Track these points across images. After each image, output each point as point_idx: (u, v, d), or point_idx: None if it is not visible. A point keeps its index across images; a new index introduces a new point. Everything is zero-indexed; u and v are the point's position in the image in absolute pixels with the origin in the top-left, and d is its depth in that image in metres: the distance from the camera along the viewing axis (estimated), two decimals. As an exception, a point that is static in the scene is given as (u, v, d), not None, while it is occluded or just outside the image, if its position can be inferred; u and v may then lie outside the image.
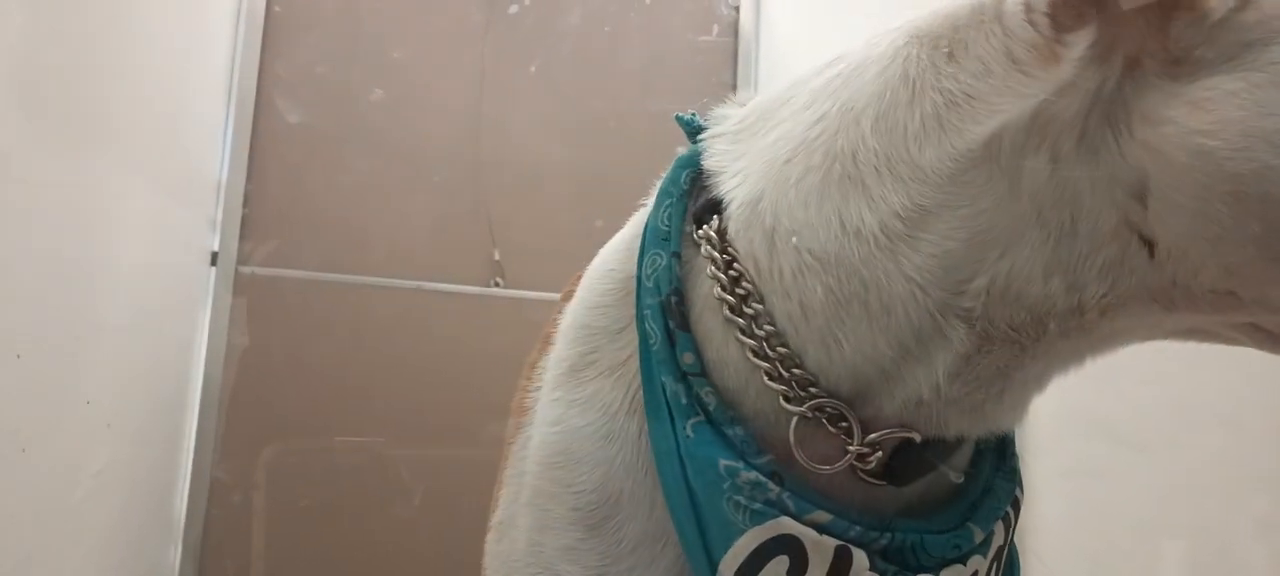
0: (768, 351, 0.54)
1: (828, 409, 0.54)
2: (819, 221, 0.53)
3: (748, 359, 0.55)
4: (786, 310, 0.54)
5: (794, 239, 0.54)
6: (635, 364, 0.60)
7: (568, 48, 2.46)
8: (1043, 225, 0.50)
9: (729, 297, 0.56)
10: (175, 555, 2.06)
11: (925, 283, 0.51)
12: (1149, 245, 0.49)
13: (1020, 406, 0.56)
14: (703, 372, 0.56)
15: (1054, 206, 0.50)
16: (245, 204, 2.19)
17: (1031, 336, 0.52)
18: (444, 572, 2.10)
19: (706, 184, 0.61)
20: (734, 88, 2.50)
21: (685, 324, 0.57)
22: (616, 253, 0.66)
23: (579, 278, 0.70)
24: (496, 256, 2.29)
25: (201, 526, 2.09)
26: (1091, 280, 0.50)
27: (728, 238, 0.57)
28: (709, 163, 0.62)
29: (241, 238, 2.18)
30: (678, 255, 0.59)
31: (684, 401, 0.55)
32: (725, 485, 0.53)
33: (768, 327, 0.54)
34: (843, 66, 0.57)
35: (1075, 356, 0.55)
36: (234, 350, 2.15)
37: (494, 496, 0.67)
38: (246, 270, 2.18)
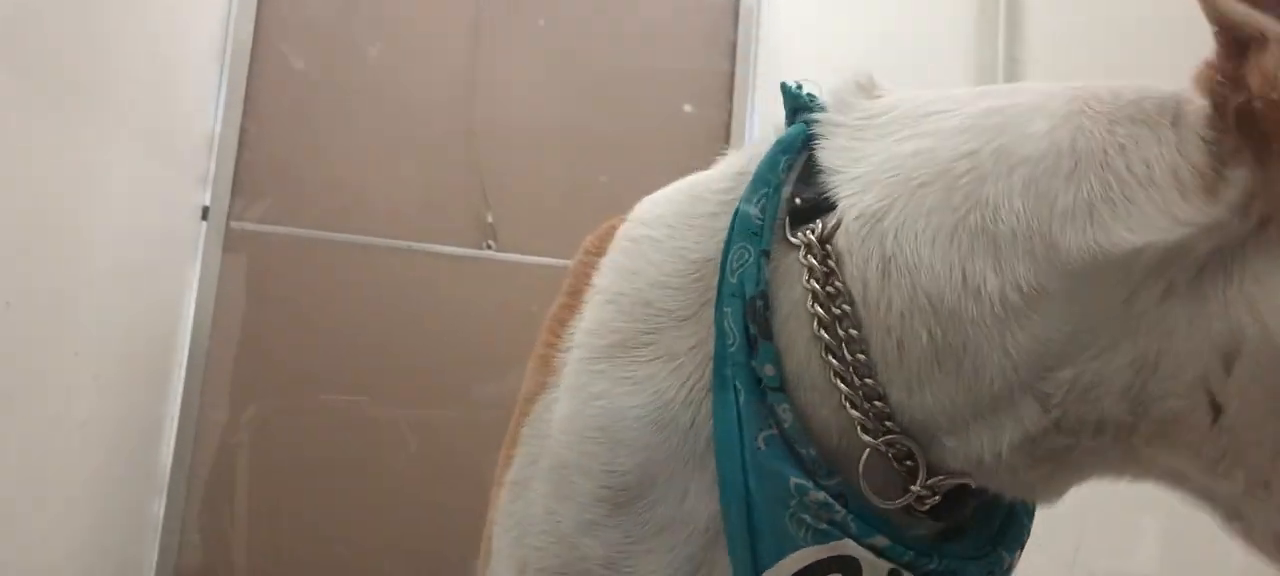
0: (854, 378, 0.52)
1: (898, 446, 0.53)
2: (942, 267, 0.51)
3: (830, 379, 0.53)
4: (882, 343, 0.53)
5: (915, 277, 0.52)
6: (699, 355, 0.57)
7: (567, 2, 2.44)
8: (1134, 346, 0.49)
9: (824, 314, 0.53)
10: (159, 507, 2.07)
11: (1019, 361, 0.51)
12: (1215, 410, 0.49)
13: (1062, 490, 0.56)
14: (782, 386, 0.54)
15: (1148, 333, 0.49)
16: (237, 160, 2.18)
17: (1090, 435, 0.52)
18: (431, 531, 2.10)
19: (813, 177, 0.56)
20: (736, 45, 2.48)
21: (768, 331, 0.54)
22: (689, 227, 0.61)
23: (611, 230, 0.66)
24: (489, 219, 2.29)
25: (186, 479, 2.09)
26: (1152, 415, 0.50)
27: (833, 248, 0.53)
28: (824, 156, 0.57)
29: (233, 193, 2.17)
30: (767, 254, 0.55)
31: (758, 411, 0.53)
32: (792, 502, 0.52)
33: (860, 355, 0.52)
34: (1006, 104, 0.54)
35: (1118, 468, 0.55)
36: (223, 306, 2.15)
37: (506, 452, 0.64)
38: (237, 226, 2.17)
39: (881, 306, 0.52)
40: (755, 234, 0.55)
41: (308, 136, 2.24)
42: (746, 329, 0.54)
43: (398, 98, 2.30)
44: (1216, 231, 0.47)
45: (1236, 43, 0.48)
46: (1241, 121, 0.47)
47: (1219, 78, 0.48)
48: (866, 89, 0.60)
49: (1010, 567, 0.59)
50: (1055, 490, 0.56)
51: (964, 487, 0.55)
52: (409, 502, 2.16)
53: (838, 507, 0.52)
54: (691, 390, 0.57)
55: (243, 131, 2.19)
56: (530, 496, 0.61)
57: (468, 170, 2.30)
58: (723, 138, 2.44)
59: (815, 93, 0.62)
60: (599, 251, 0.65)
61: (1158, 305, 0.49)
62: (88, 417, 1.64)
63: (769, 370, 0.53)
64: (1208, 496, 0.54)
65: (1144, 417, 0.50)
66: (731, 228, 0.57)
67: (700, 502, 0.56)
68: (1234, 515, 0.53)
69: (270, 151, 2.22)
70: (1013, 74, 1.42)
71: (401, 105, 2.30)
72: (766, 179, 0.57)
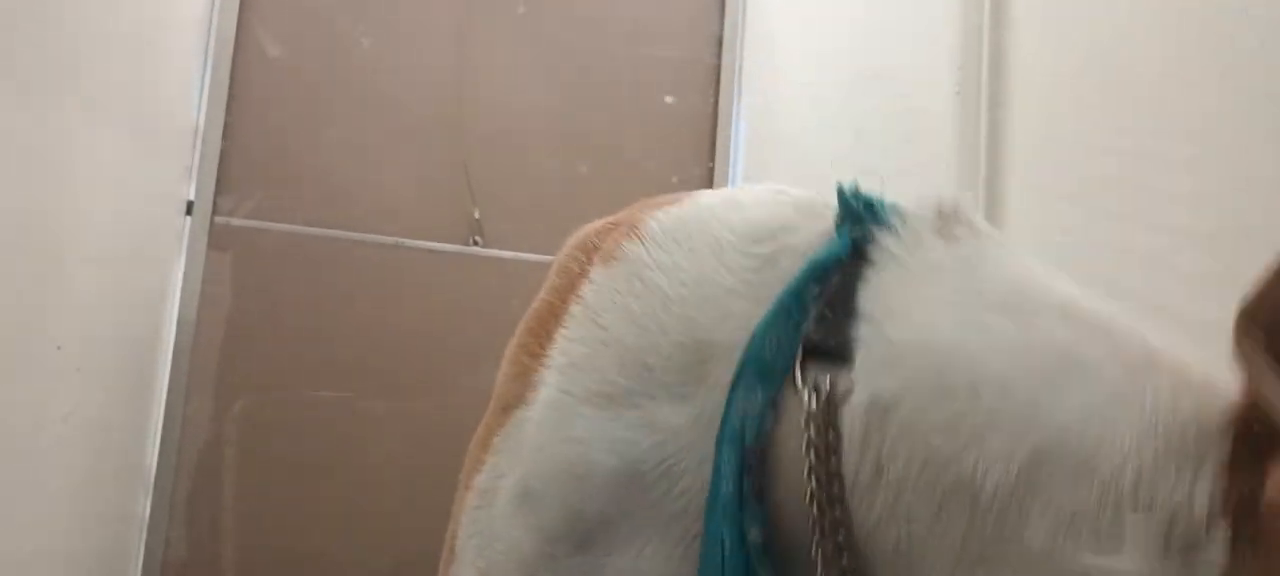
0: (836, 558, 0.51)
1: None
2: (924, 498, 0.49)
3: (812, 552, 0.51)
4: (861, 533, 0.51)
5: (900, 495, 0.49)
6: (683, 438, 0.55)
7: (554, -6, 2.43)
8: None
9: (817, 489, 0.50)
10: (145, 502, 2.06)
11: None
12: None
13: None
14: (765, 550, 0.52)
15: None
16: (222, 153, 2.17)
17: None
18: (416, 527, 2.10)
19: (844, 314, 0.52)
20: (721, 36, 2.48)
21: (761, 492, 0.52)
22: (705, 299, 0.57)
23: (606, 234, 0.63)
24: (476, 215, 2.28)
25: (172, 475, 2.08)
26: None
27: (838, 416, 0.50)
28: (864, 296, 0.53)
29: (218, 187, 2.16)
30: (774, 405, 0.52)
31: (738, 568, 0.52)
32: None
33: (840, 537, 0.51)
34: (1071, 342, 0.49)
35: None
36: (208, 301, 2.13)
37: (476, 454, 0.63)
38: (222, 220, 2.16)
39: (865, 503, 0.51)
40: (767, 374, 0.52)
41: (292, 130, 2.23)
42: (740, 480, 0.52)
43: (383, 90, 2.29)
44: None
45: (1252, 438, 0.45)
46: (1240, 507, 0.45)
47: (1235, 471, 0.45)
48: (948, 220, 0.56)
49: None
50: None
51: None
52: (395, 498, 2.15)
53: None
54: (668, 468, 0.55)
55: (227, 125, 2.17)
56: (495, 509, 0.60)
57: (454, 165, 2.29)
58: (709, 130, 2.44)
59: (877, 203, 0.57)
60: (596, 252, 0.63)
61: None
62: (71, 412, 1.63)
63: (755, 534, 0.52)
64: None
65: None
66: (746, 354, 0.53)
67: (654, 564, 0.56)
68: None
69: (255, 145, 2.20)
70: (997, 74, 1.42)
71: (387, 98, 2.29)
72: (790, 309, 0.54)
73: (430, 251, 2.26)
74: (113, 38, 1.69)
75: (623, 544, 0.56)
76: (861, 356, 0.52)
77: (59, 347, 1.56)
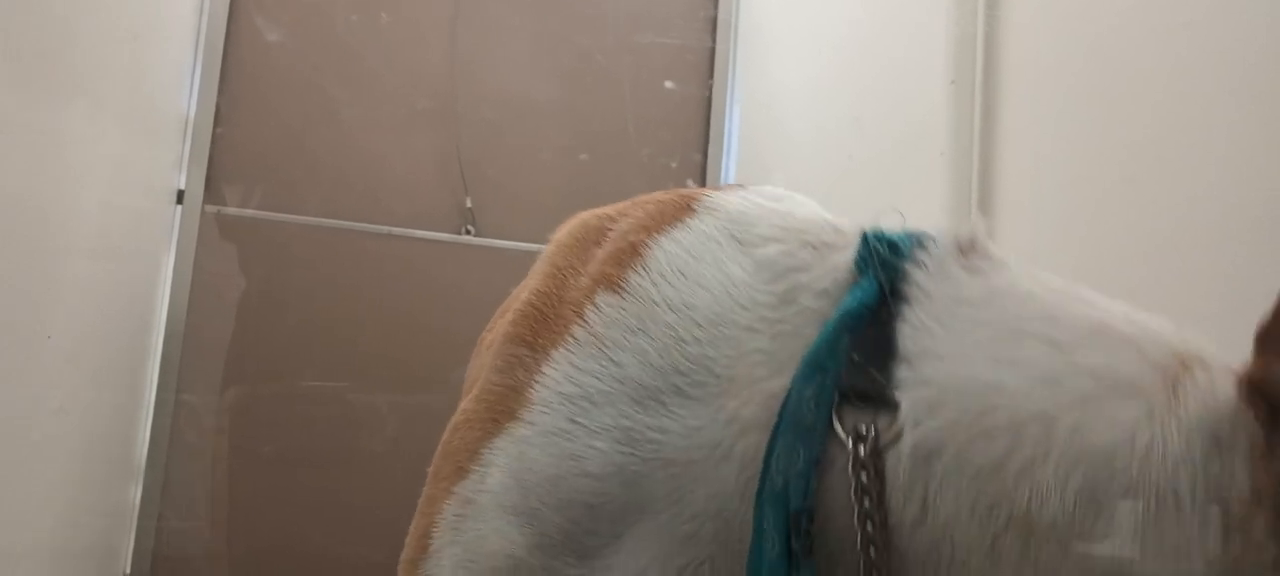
0: None
1: None
2: (976, 535, 0.50)
3: None
4: (902, 567, 0.52)
5: (948, 532, 0.50)
6: (696, 471, 0.56)
7: (548, -21, 2.42)
8: None
9: (872, 532, 0.51)
10: (135, 493, 2.05)
11: None
12: None
13: None
14: None
15: None
16: (213, 142, 2.15)
17: None
18: (411, 517, 2.09)
19: (883, 355, 0.53)
20: (716, 20, 2.47)
21: (810, 551, 0.52)
22: (721, 338, 0.57)
23: (597, 230, 0.63)
24: (468, 204, 2.27)
25: (163, 466, 2.07)
26: None
27: (883, 461, 0.51)
28: (904, 337, 0.53)
29: (208, 176, 2.15)
30: (819, 463, 0.52)
31: None
32: None
33: None
34: (1104, 366, 0.50)
35: None
36: (200, 290, 2.12)
37: (458, 458, 0.63)
38: (213, 209, 2.15)
39: (910, 543, 0.51)
40: (808, 431, 0.52)
41: (285, 118, 2.22)
42: (788, 540, 0.52)
43: (377, 78, 2.27)
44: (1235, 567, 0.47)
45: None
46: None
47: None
48: (967, 251, 0.56)
49: None
50: None
51: None
52: (389, 488, 2.14)
53: None
54: (681, 497, 0.56)
55: (218, 113, 2.16)
56: (484, 521, 0.60)
57: (447, 154, 2.28)
58: (704, 115, 2.43)
59: (902, 237, 0.57)
60: (584, 252, 0.63)
61: None
62: (63, 403, 1.62)
63: None
64: None
65: None
66: (782, 413, 0.53)
67: (649, 563, 0.57)
68: None
69: (246, 134, 2.19)
70: (991, 50, 1.42)
71: (380, 85, 2.27)
72: (824, 365, 0.53)
73: (422, 240, 2.25)
74: (104, 25, 1.67)
75: (626, 556, 0.57)
76: (901, 398, 0.52)
77: (50, 338, 1.55)
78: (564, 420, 0.58)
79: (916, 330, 0.53)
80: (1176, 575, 0.47)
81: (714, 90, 2.44)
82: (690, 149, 2.42)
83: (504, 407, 0.61)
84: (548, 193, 2.28)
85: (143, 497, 2.05)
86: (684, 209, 0.64)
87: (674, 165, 2.38)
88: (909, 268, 0.56)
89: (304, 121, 2.22)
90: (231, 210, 2.16)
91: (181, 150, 2.13)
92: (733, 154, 2.42)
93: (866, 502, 0.51)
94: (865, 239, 0.58)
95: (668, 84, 2.43)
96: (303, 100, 2.23)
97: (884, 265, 0.56)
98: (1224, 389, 0.49)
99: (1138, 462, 0.47)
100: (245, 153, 2.18)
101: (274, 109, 2.21)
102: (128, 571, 2.04)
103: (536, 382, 0.60)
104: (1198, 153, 1.00)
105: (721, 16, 2.47)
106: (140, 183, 1.97)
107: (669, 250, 0.61)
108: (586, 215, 0.68)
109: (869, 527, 0.51)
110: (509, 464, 0.59)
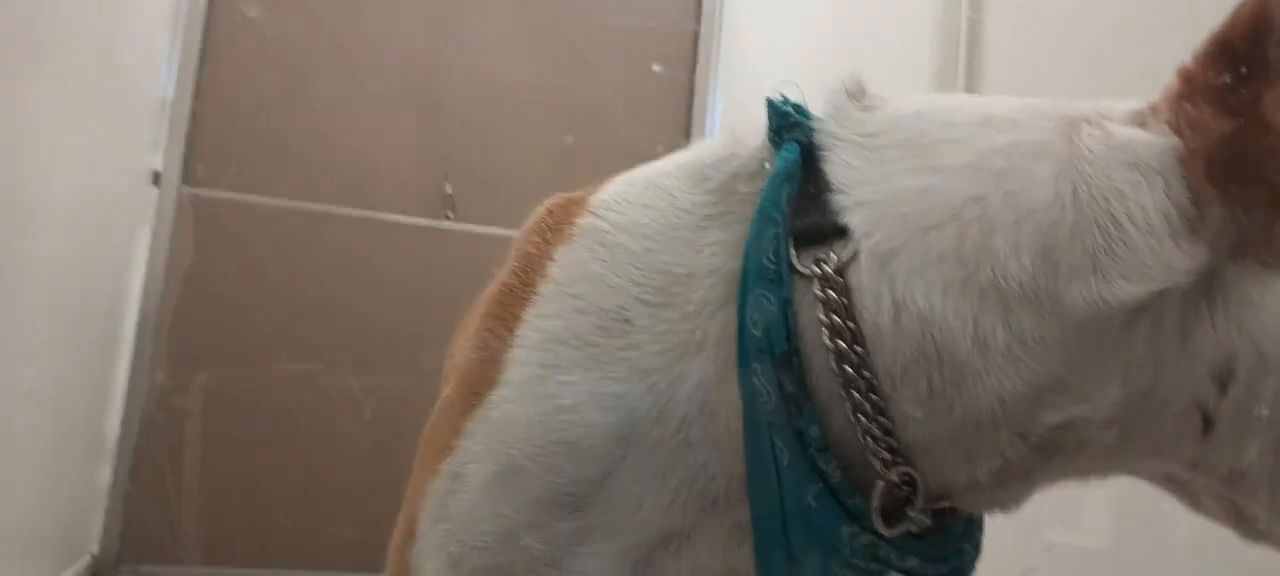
0: (872, 416, 0.53)
1: (906, 477, 0.55)
2: (955, 320, 0.52)
3: (848, 414, 0.54)
4: (892, 385, 0.53)
5: (927, 327, 0.52)
6: (673, 372, 0.57)
7: (532, -37, 2.41)
8: (1125, 384, 0.52)
9: (844, 348, 0.53)
10: (106, 475, 2.03)
11: (1010, 406, 0.52)
12: (1207, 424, 0.52)
13: (1025, 499, 0.58)
14: (827, 446, 0.54)
15: (1139, 371, 0.51)
16: (190, 123, 2.13)
17: (1068, 455, 0.54)
18: (384, 501, 2.09)
19: (819, 196, 0.56)
20: (700, 4, 2.46)
21: (807, 391, 0.54)
22: (671, 241, 0.60)
23: (564, 210, 0.65)
24: (448, 189, 2.26)
25: (133, 447, 2.05)
26: (1142, 437, 0.53)
27: (847, 283, 0.53)
28: (830, 171, 0.56)
29: (185, 158, 2.13)
30: (790, 302, 0.54)
31: (803, 470, 0.54)
32: (844, 550, 0.54)
33: (874, 396, 0.53)
34: (1008, 143, 0.54)
35: (1088, 474, 0.58)
36: (174, 272, 2.10)
37: (442, 437, 0.63)
38: (189, 191, 2.13)
39: (890, 351, 0.53)
40: (774, 279, 0.54)
41: (262, 100, 2.20)
42: (781, 386, 0.53)
43: (357, 60, 2.26)
44: (1204, 268, 0.50)
45: (1232, 61, 0.50)
46: (1224, 156, 0.50)
47: (1206, 105, 0.51)
48: (857, 97, 0.60)
49: (980, 543, 0.62)
50: (1020, 501, 0.58)
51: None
52: (361, 472, 2.14)
53: (883, 546, 0.54)
54: (664, 408, 0.57)
55: (196, 93, 2.14)
56: (470, 492, 0.60)
57: (427, 137, 2.27)
58: (686, 99, 2.43)
59: (802, 103, 0.61)
60: (553, 233, 0.64)
61: (1148, 342, 0.51)
62: (33, 385, 1.60)
63: (815, 431, 0.54)
64: (1199, 496, 0.57)
65: (1131, 440, 0.53)
66: (744, 272, 0.55)
67: (653, 514, 0.57)
68: (1228, 509, 0.56)
69: (224, 115, 2.17)
70: (974, 42, 1.42)
71: (361, 68, 2.26)
72: (773, 217, 0.55)
73: (400, 225, 2.24)
74: (79, 11, 1.65)
75: (619, 501, 0.57)
76: (847, 221, 0.55)
77: (20, 321, 1.53)
78: (536, 368, 0.59)
79: (842, 167, 0.57)
80: (1150, 289, 0.50)
81: (697, 74, 2.44)
82: (675, 133, 2.41)
83: (482, 380, 0.61)
84: (530, 178, 2.27)
85: (113, 479, 2.04)
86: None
87: (659, 149, 2.37)
88: (816, 123, 0.59)
89: (282, 103, 2.20)
90: (208, 192, 2.14)
91: (158, 131, 2.10)
92: (717, 113, 2.42)
93: (836, 318, 0.53)
94: (772, 110, 0.61)
95: (655, 67, 2.42)
96: (281, 81, 2.21)
97: (796, 127, 0.59)
98: (1118, 131, 0.53)
99: (1072, 207, 0.51)
100: (222, 134, 2.16)
101: (252, 90, 2.19)
102: (96, 552, 2.03)
103: (510, 347, 0.61)
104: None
105: (706, 1, 2.46)
106: (115, 164, 1.95)
107: (611, 191, 0.64)
108: (558, 198, 0.68)
109: (837, 346, 0.53)
110: (491, 428, 0.60)
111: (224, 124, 2.16)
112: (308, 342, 2.16)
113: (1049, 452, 0.54)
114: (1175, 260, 0.50)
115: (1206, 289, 0.51)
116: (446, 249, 2.24)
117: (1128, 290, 0.50)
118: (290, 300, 2.17)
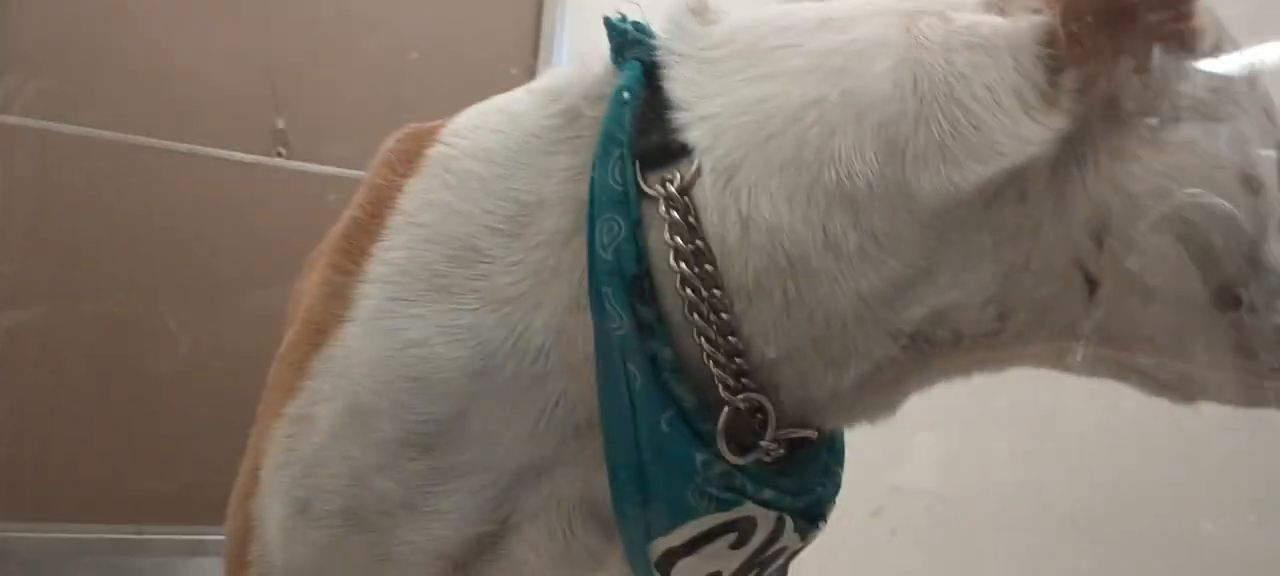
0: (717, 337, 0.53)
1: (753, 402, 0.54)
2: (803, 227, 0.51)
3: (693, 337, 0.53)
4: (742, 302, 0.53)
5: (775, 238, 0.52)
6: (528, 302, 0.56)
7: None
8: (998, 260, 0.52)
9: (688, 270, 0.52)
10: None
11: (873, 304, 0.52)
12: (1091, 286, 0.52)
13: (897, 407, 0.58)
14: (676, 367, 0.53)
15: (1013, 241, 0.51)
16: (-4, 45, 1.96)
17: (943, 352, 0.54)
18: (205, 448, 1.99)
19: (661, 115, 0.55)
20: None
21: (661, 313, 0.53)
22: (519, 166, 0.58)
23: (416, 141, 0.62)
24: (280, 125, 2.16)
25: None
26: (1023, 310, 0.53)
27: (692, 200, 0.53)
28: (671, 89, 0.56)
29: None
30: (639, 224, 0.53)
31: (656, 394, 0.53)
32: (698, 477, 0.53)
33: (723, 315, 0.52)
34: (846, 40, 0.54)
35: (968, 370, 0.58)
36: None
37: (286, 380, 0.60)
38: (-3, 119, 1.96)
39: (741, 267, 0.52)
40: (621, 201, 0.53)
41: (67, 11, 2.03)
42: (634, 310, 0.53)
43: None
44: (1063, 135, 0.50)
45: None
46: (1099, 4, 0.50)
47: None
48: (699, 12, 0.59)
49: (840, 480, 0.63)
50: (888, 408, 0.58)
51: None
52: (183, 417, 2.05)
53: (738, 475, 0.53)
54: (518, 339, 0.55)
55: (3, 13, 1.96)
56: (317, 434, 0.58)
57: (257, 65, 2.15)
58: (532, 37, 2.39)
59: (641, 22, 0.60)
60: (404, 168, 0.61)
61: (1018, 216, 0.51)
62: None
63: (668, 354, 0.53)
64: (1093, 366, 0.57)
65: (1012, 317, 0.53)
66: (592, 196, 0.54)
67: (512, 449, 0.56)
68: (1124, 372, 0.57)
69: (35, 38, 2.00)
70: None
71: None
72: (617, 138, 0.55)
73: (229, 161, 2.13)
74: None
75: (475, 437, 0.56)
76: (689, 138, 0.54)
77: None
78: (384, 302, 0.57)
79: (683, 83, 0.56)
80: (1004, 166, 0.50)
81: (542, 11, 2.40)
82: (530, 54, 2.37)
83: (328, 317, 0.59)
84: (366, 115, 2.19)
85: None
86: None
87: (514, 71, 2.33)
88: (657, 42, 0.58)
89: (91, 17, 2.04)
90: (15, 119, 1.98)
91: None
92: (563, 57, 2.38)
93: (680, 238, 0.52)
94: (611, 30, 0.60)
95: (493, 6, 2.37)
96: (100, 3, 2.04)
97: (636, 45, 0.58)
98: (960, 17, 0.53)
99: (913, 97, 0.51)
100: (34, 59, 2.00)
101: (65, 9, 2.02)
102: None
103: (356, 282, 0.59)
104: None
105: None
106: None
107: (459, 120, 0.62)
108: (409, 128, 0.66)
109: (685, 265, 0.52)
110: (338, 366, 0.58)
111: (34, 47, 2.00)
112: (130, 282, 2.05)
113: (924, 351, 0.54)
114: (1030, 134, 0.50)
115: (1075, 150, 0.51)
116: (278, 187, 2.15)
117: (981, 172, 0.50)
118: (110, 237, 2.04)
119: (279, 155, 2.16)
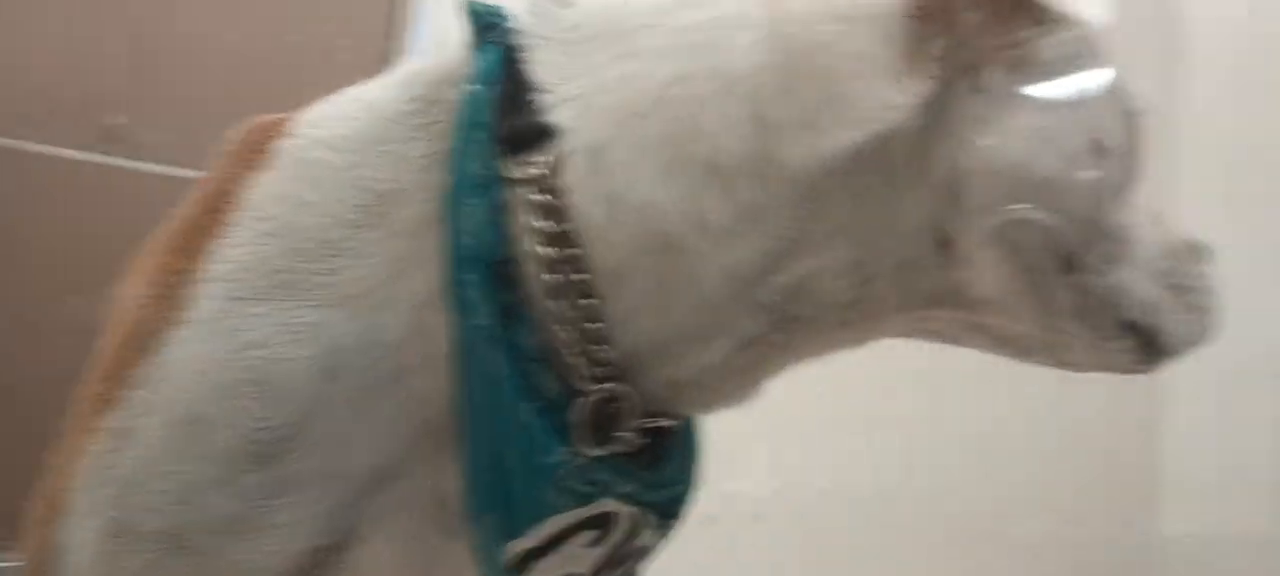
0: (580, 324, 0.52)
1: (610, 393, 0.53)
2: (672, 204, 0.52)
3: (557, 325, 0.52)
4: (608, 284, 0.52)
5: (644, 216, 0.51)
6: (379, 296, 0.54)
7: None
8: (861, 225, 0.53)
9: (553, 254, 0.52)
10: None
11: (738, 278, 0.52)
12: (947, 247, 0.54)
13: (757, 389, 0.59)
14: (541, 354, 0.52)
15: (876, 206, 0.53)
16: None
17: (807, 323, 0.55)
18: (22, 460, 1.86)
19: (524, 98, 0.55)
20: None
21: (523, 299, 0.52)
22: (377, 155, 0.56)
23: (262, 134, 0.60)
24: (115, 121, 2.04)
25: None
26: (882, 276, 0.54)
27: (559, 183, 0.52)
28: (535, 72, 0.55)
29: None
30: (503, 209, 0.52)
31: (519, 386, 0.52)
32: (559, 471, 0.52)
33: (585, 300, 0.52)
34: (706, 17, 0.54)
35: (833, 347, 0.59)
36: None
37: (104, 391, 0.56)
38: None
39: (607, 246, 0.52)
40: (483, 186, 0.53)
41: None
42: (496, 298, 0.52)
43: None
44: (927, 101, 0.52)
45: None
46: None
47: None
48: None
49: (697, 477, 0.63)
50: (749, 390, 0.59)
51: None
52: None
53: (599, 469, 0.53)
54: (373, 335, 0.54)
55: None
56: (138, 449, 0.54)
57: (85, 57, 2.02)
58: (386, 21, 2.33)
59: (499, 7, 0.60)
60: (249, 162, 0.59)
61: (880, 180, 0.53)
62: None
63: (532, 342, 0.52)
64: (957, 332, 0.60)
65: (873, 282, 0.54)
66: (454, 182, 0.53)
67: (362, 453, 0.55)
68: (976, 335, 0.59)
69: None
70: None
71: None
72: (478, 122, 0.54)
73: (50, 158, 2.00)
74: None
75: (318, 444, 0.54)
76: (556, 122, 0.54)
77: None
78: (221, 301, 0.55)
79: (545, 66, 0.56)
80: (869, 132, 0.51)
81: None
82: (384, 37, 2.30)
83: (157, 321, 0.56)
84: (210, 111, 2.08)
85: None
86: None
87: (367, 64, 2.24)
88: (516, 24, 0.59)
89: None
90: None
91: None
92: (419, 51, 2.33)
93: (544, 223, 0.52)
94: (470, 13, 0.59)
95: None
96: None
97: (495, 29, 0.58)
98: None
99: (778, 69, 0.52)
100: None
101: None
102: None
103: (191, 283, 0.55)
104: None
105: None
106: None
107: (312, 110, 0.61)
108: (256, 121, 0.63)
109: (548, 250, 0.52)
110: (167, 374, 0.54)
111: None
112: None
113: (787, 325, 0.54)
114: (893, 99, 0.51)
115: (938, 116, 0.53)
116: (106, 187, 2.03)
117: (848, 138, 0.51)
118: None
119: (106, 153, 2.04)
